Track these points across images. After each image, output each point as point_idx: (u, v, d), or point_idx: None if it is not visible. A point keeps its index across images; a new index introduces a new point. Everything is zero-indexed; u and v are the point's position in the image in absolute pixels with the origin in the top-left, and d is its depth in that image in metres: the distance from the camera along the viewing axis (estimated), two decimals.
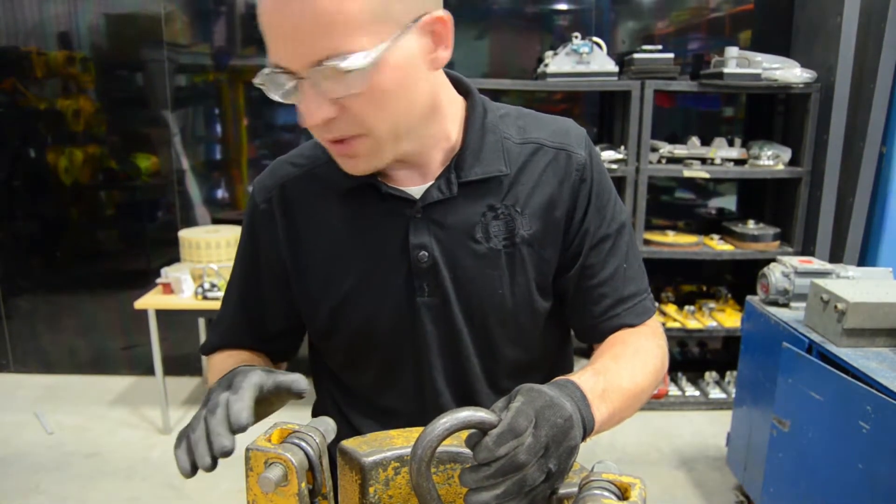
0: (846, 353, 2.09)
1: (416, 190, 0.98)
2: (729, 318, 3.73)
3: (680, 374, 3.92)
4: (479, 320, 1.02)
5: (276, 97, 0.85)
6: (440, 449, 0.77)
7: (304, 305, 1.07)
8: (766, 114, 3.90)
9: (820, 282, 2.29)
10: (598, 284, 1.04)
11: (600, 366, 0.91)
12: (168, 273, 3.41)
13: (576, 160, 1.02)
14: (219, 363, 1.10)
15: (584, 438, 0.77)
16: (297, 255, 1.05)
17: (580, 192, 1.02)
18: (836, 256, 3.39)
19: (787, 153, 3.55)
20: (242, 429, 0.74)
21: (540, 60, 3.64)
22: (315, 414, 1.22)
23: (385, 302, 1.01)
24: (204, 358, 3.95)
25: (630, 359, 0.98)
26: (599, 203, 1.04)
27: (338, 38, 0.78)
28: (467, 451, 0.71)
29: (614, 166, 3.47)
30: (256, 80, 0.85)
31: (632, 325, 1.05)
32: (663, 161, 3.58)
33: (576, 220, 1.03)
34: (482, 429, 0.68)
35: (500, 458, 0.66)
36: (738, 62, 3.37)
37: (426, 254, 0.98)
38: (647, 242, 3.66)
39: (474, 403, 1.03)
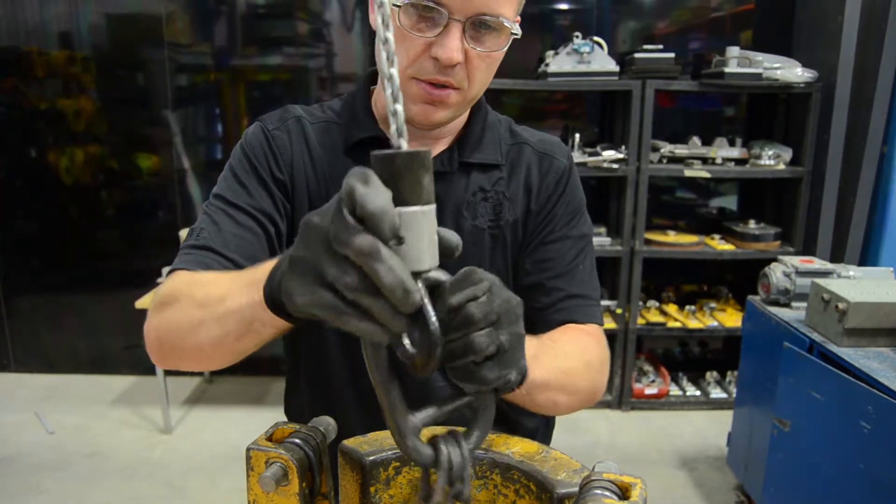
0: (847, 353, 2.09)
1: None
2: (730, 318, 3.73)
3: (681, 374, 3.92)
4: None
5: (405, 24, 0.91)
6: None
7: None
8: (767, 113, 3.90)
9: (821, 281, 2.29)
10: (553, 277, 1.09)
11: (536, 339, 0.93)
12: None
13: (557, 165, 1.13)
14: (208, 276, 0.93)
15: (518, 385, 0.75)
16: (305, 184, 1.07)
17: (555, 191, 1.12)
18: (837, 256, 3.39)
19: (788, 153, 3.55)
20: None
21: (541, 60, 3.64)
22: (286, 399, 1.25)
23: None
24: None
25: (567, 343, 1.02)
26: (570, 208, 1.12)
27: (504, 1, 0.91)
28: None
29: (615, 166, 3.47)
30: (403, 0, 0.90)
31: (579, 322, 1.08)
32: (664, 161, 3.58)
33: (543, 211, 1.11)
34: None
35: (452, 309, 0.60)
36: (739, 62, 3.36)
37: None
38: (647, 242, 3.65)
39: None
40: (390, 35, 0.55)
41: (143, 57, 3.91)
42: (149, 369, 3.60)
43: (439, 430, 0.68)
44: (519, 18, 1.01)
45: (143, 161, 4.04)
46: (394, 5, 0.90)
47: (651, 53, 3.45)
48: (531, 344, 0.83)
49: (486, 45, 0.93)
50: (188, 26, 3.92)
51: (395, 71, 0.55)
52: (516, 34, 0.95)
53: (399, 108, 0.54)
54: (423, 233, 0.53)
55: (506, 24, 0.92)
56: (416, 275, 0.54)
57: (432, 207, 0.54)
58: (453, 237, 0.58)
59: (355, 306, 0.52)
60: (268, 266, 0.73)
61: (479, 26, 0.91)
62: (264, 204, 1.03)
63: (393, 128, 0.55)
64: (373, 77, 1.13)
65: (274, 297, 0.69)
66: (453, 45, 0.90)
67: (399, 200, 0.52)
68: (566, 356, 0.97)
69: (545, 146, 1.14)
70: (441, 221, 1.04)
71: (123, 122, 4.01)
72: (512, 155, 1.12)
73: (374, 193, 0.50)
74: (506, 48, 0.95)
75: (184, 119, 4.02)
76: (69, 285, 4.18)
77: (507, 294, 0.65)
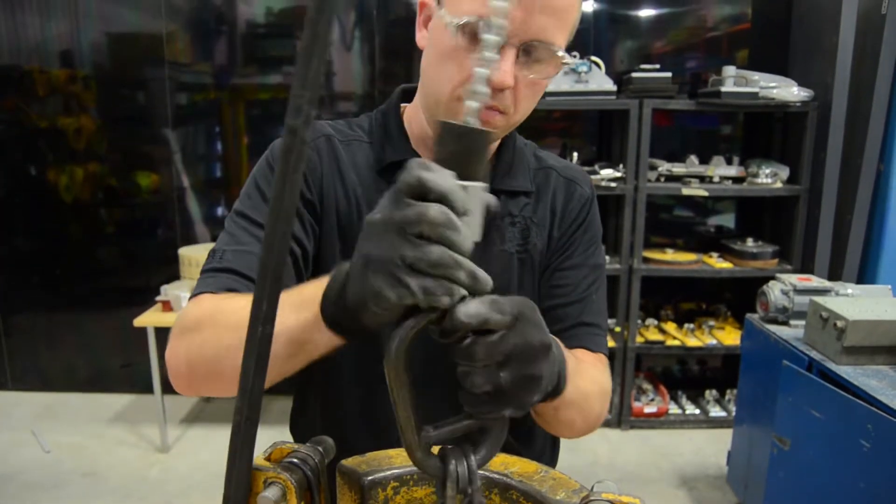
0: (846, 371, 2.09)
1: None
2: (728, 336, 3.73)
3: (680, 393, 3.91)
4: None
5: (461, 43, 0.90)
6: None
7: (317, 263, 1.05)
8: (763, 132, 3.92)
9: (819, 299, 2.29)
10: (565, 304, 1.09)
11: (570, 354, 0.91)
12: (168, 291, 3.41)
13: (581, 193, 1.14)
14: (229, 300, 0.91)
15: (552, 396, 0.75)
16: (335, 204, 1.05)
17: (577, 217, 1.12)
18: (835, 274, 3.40)
19: (785, 171, 3.57)
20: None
21: None
22: (294, 419, 1.23)
23: None
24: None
25: (590, 367, 1.02)
26: (588, 236, 1.13)
27: (559, 29, 0.90)
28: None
29: (613, 184, 3.48)
30: (472, 17, 0.88)
31: (589, 350, 1.08)
32: (662, 179, 3.59)
33: (564, 237, 1.11)
34: None
35: (460, 327, 0.59)
36: (736, 81, 3.39)
37: None
38: (646, 260, 3.66)
39: None
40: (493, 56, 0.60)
41: (144, 75, 3.93)
42: (146, 387, 3.58)
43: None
44: None
45: (143, 179, 4.05)
46: (449, 24, 0.90)
47: (648, 73, 3.47)
48: (569, 356, 0.83)
49: (537, 71, 0.92)
50: (188, 45, 3.94)
51: (492, 54, 0.60)
52: (567, 63, 0.94)
53: (482, 88, 0.58)
54: (479, 206, 0.58)
55: (558, 52, 0.91)
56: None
57: (486, 186, 0.59)
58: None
59: (442, 280, 0.56)
60: (315, 286, 0.73)
61: (531, 53, 0.91)
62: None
63: (471, 105, 0.58)
64: (403, 95, 1.12)
65: (336, 315, 0.69)
66: (507, 68, 0.89)
67: (461, 174, 0.57)
68: (591, 380, 0.97)
69: (570, 172, 1.15)
70: None
71: (123, 140, 4.03)
72: (538, 180, 1.12)
73: (441, 176, 0.54)
74: (554, 76, 0.95)
75: (184, 137, 4.04)
76: (68, 303, 4.18)
77: (531, 335, 0.64)
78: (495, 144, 1.09)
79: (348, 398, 1.10)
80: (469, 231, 0.57)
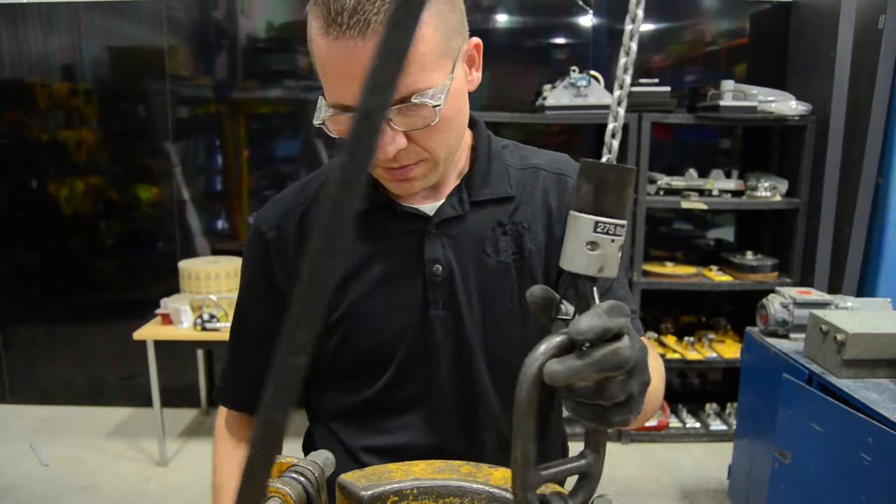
0: (846, 385, 2.09)
1: (427, 207, 1.04)
2: (729, 349, 3.72)
3: (680, 406, 3.90)
4: (491, 332, 1.05)
5: (339, 132, 0.90)
6: (440, 483, 0.77)
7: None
8: (762, 146, 3.93)
9: (819, 312, 2.29)
10: None
11: None
12: (167, 304, 3.40)
13: (573, 184, 1.07)
14: (226, 463, 1.12)
15: None
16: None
17: None
18: (834, 287, 3.40)
19: (783, 184, 3.58)
20: None
21: (538, 93, 3.68)
22: (306, 442, 1.22)
23: (399, 316, 1.03)
24: (203, 400, 3.92)
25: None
26: None
27: (412, 77, 0.85)
28: (468, 485, 0.70)
29: None
30: (317, 122, 0.89)
31: None
32: (661, 193, 3.60)
33: None
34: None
35: (607, 330, 0.56)
36: (734, 95, 3.40)
37: (440, 267, 1.02)
38: (645, 273, 3.66)
39: (482, 416, 1.05)
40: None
41: (145, 89, 3.95)
42: (145, 401, 3.58)
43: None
44: (474, 43, 0.97)
45: (143, 192, 4.06)
46: (318, 126, 0.90)
47: (647, 87, 3.49)
48: None
49: (421, 117, 0.88)
50: (190, 59, 3.96)
51: (627, 77, 0.60)
52: (437, 105, 0.86)
53: (615, 126, 0.61)
54: (615, 244, 0.59)
55: (423, 101, 0.86)
56: (605, 280, 0.59)
57: (624, 223, 0.60)
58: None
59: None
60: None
61: (401, 109, 0.86)
62: (271, 320, 1.06)
63: (613, 143, 0.62)
64: None
65: None
66: (379, 145, 0.87)
67: (599, 209, 0.59)
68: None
69: (558, 166, 1.10)
70: (463, 262, 1.03)
71: (124, 153, 4.04)
72: (524, 180, 1.07)
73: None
74: (441, 107, 0.87)
75: (184, 151, 4.05)
76: (67, 315, 4.17)
77: (640, 341, 0.62)
78: (464, 157, 1.07)
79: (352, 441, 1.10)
80: (605, 264, 0.59)
